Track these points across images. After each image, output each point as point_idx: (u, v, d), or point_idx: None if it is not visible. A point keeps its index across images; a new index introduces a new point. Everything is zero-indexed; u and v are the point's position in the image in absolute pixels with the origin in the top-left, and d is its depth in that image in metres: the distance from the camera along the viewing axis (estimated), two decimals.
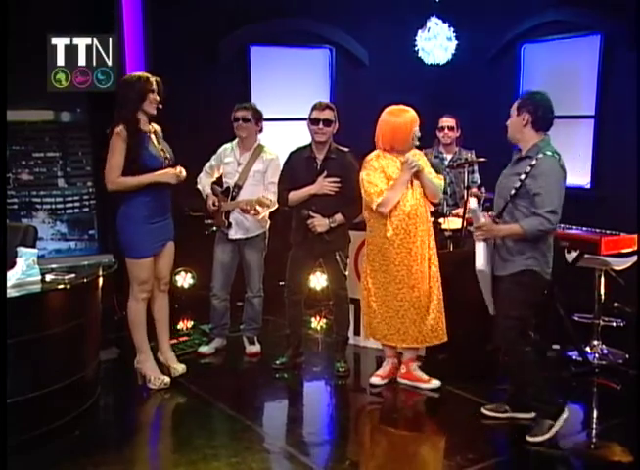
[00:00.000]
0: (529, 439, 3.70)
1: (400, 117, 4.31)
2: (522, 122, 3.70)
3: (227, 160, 4.96)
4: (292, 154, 4.71)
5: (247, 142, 4.91)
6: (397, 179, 4.27)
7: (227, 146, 5.01)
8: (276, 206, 4.78)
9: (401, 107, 4.36)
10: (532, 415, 3.89)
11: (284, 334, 4.93)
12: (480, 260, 3.76)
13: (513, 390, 3.99)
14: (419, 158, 4.38)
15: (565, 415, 3.73)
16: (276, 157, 4.92)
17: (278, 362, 4.82)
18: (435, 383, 4.43)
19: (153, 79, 4.22)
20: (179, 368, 4.57)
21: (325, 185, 4.51)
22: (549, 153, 3.63)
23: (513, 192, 3.66)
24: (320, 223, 4.51)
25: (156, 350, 4.59)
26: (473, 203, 3.91)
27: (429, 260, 4.37)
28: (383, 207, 4.25)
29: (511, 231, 3.67)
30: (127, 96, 4.18)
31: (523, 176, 3.63)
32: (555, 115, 3.73)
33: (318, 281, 5.99)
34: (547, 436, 3.69)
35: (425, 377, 4.46)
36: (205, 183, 5.00)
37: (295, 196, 4.56)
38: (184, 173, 4.33)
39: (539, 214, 3.56)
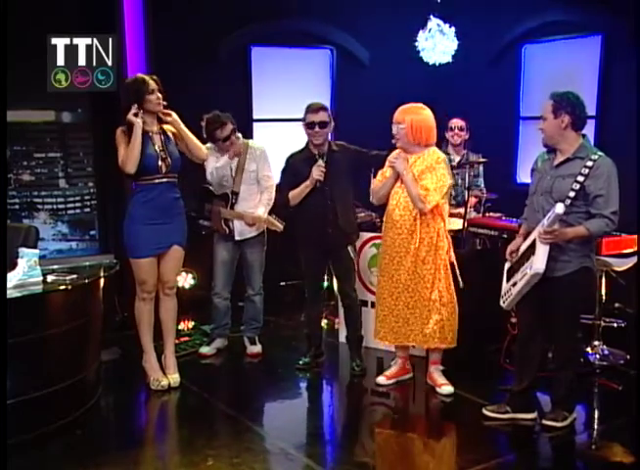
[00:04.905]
0: (546, 422, 3.83)
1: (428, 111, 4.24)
2: (561, 125, 3.65)
3: (218, 164, 4.79)
4: (289, 159, 4.63)
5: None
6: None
7: (208, 146, 4.77)
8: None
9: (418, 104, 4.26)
10: (533, 416, 3.91)
11: (304, 334, 4.92)
12: (543, 264, 3.60)
13: (517, 387, 3.94)
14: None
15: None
16: (264, 148, 4.90)
17: (301, 363, 4.78)
18: (446, 389, 4.31)
19: (150, 79, 4.19)
20: (172, 379, 4.43)
21: (315, 171, 4.40)
22: (601, 153, 3.65)
23: (572, 194, 3.61)
24: (318, 171, 4.39)
25: (162, 350, 4.55)
26: (560, 208, 3.55)
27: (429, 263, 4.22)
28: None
29: (576, 233, 3.63)
30: (127, 99, 4.19)
31: (581, 178, 3.60)
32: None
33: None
34: (564, 424, 3.82)
35: (439, 381, 4.37)
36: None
37: (293, 194, 4.51)
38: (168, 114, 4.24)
39: (605, 216, 3.57)
